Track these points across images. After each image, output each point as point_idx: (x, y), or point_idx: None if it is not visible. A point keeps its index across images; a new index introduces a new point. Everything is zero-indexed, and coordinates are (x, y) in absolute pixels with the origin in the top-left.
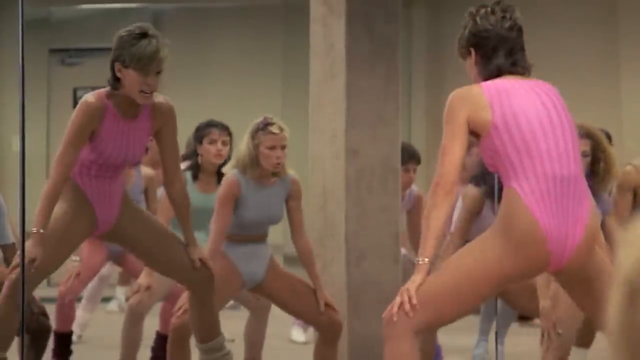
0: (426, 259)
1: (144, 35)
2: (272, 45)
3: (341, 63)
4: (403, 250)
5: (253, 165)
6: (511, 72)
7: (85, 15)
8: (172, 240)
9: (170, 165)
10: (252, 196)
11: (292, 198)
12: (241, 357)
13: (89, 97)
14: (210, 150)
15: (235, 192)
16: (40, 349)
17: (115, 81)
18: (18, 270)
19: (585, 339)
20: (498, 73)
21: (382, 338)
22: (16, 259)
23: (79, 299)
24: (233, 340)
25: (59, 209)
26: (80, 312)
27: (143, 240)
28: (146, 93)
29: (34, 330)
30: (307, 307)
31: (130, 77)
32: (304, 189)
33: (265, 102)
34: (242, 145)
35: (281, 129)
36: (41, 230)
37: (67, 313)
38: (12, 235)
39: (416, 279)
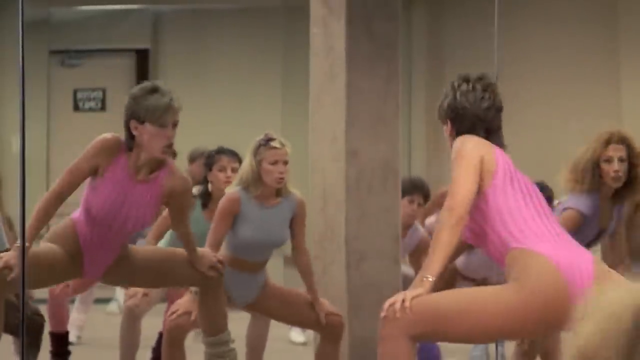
0: (430, 278)
1: (155, 89)
2: (272, 46)
3: (341, 64)
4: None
5: (256, 182)
6: None
7: (86, 16)
8: (172, 256)
9: (177, 223)
10: (253, 215)
11: (296, 218)
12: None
13: (108, 134)
14: (219, 177)
15: (235, 208)
16: (34, 347)
17: (131, 140)
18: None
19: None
20: None
21: None
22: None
23: (72, 300)
24: (233, 341)
25: (48, 245)
26: (74, 314)
27: (138, 276)
28: (166, 147)
29: (27, 328)
30: (303, 316)
31: (148, 132)
32: (304, 190)
33: (265, 102)
34: (244, 163)
35: (282, 144)
36: (27, 244)
37: (59, 313)
38: (7, 241)
39: (417, 290)
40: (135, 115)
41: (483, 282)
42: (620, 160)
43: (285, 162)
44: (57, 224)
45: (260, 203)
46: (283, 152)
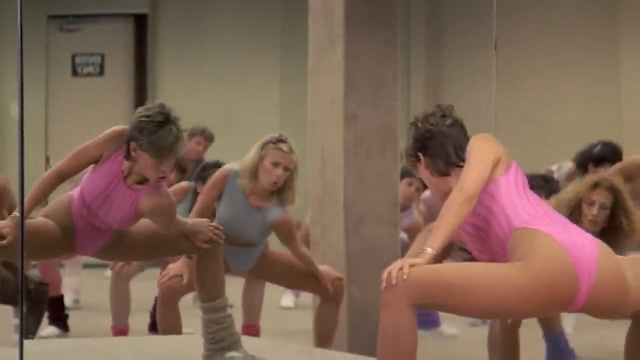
0: (430, 250)
1: (164, 123)
2: (271, 11)
3: (340, 29)
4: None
5: (251, 176)
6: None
7: None
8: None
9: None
10: (234, 200)
11: (278, 231)
12: (240, 324)
13: (121, 127)
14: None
15: (221, 182)
16: (38, 313)
17: (129, 155)
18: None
19: None
20: (446, 169)
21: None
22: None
23: (61, 265)
24: (231, 306)
25: (43, 219)
26: (67, 278)
27: (132, 250)
28: (160, 177)
29: (31, 295)
30: (303, 280)
31: (146, 162)
32: (303, 155)
33: (264, 68)
34: (250, 153)
35: (290, 150)
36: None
37: (50, 277)
38: None
39: (416, 260)
40: (137, 141)
41: None
42: (602, 207)
43: (286, 168)
44: (55, 199)
45: (244, 195)
46: (287, 157)
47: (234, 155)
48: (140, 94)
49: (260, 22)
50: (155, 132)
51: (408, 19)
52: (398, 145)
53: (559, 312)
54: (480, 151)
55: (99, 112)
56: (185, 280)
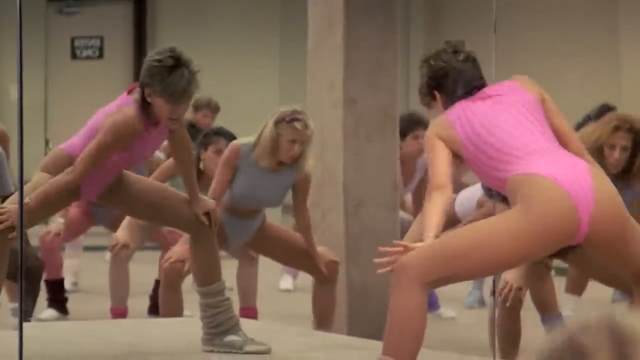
0: (432, 234)
1: (176, 66)
2: None
3: (339, 11)
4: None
5: (272, 153)
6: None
7: None
8: (168, 194)
9: (178, 144)
10: (250, 173)
11: (299, 185)
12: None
13: (130, 114)
14: (214, 161)
15: (234, 157)
16: (34, 292)
17: (144, 102)
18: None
19: (577, 287)
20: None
21: (380, 285)
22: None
23: (62, 248)
24: (231, 289)
25: (43, 176)
26: (67, 260)
27: (134, 202)
28: (175, 120)
29: (28, 273)
30: (298, 258)
31: (161, 106)
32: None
33: (263, 51)
34: (266, 129)
35: (306, 126)
36: (30, 203)
37: (53, 260)
38: (12, 186)
39: (418, 244)
40: (150, 87)
41: None
42: (623, 149)
43: (303, 142)
44: (49, 156)
45: (258, 165)
46: (303, 134)
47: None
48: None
49: (259, 5)
50: (168, 77)
51: (407, 2)
52: (397, 128)
53: (567, 244)
54: (430, 147)
55: (98, 95)
56: (186, 267)
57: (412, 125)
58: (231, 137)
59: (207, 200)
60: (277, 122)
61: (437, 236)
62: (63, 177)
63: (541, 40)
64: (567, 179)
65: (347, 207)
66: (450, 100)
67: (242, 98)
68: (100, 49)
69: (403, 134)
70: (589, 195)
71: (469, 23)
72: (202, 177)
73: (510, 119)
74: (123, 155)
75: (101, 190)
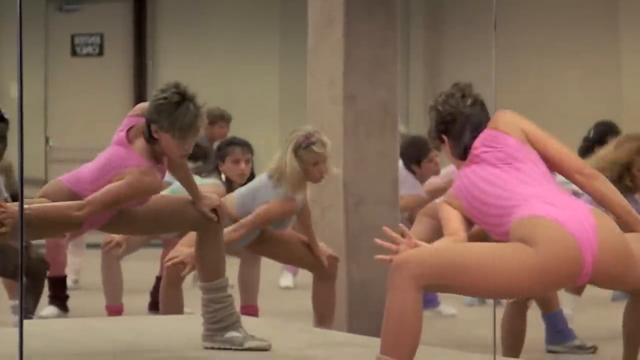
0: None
1: (181, 101)
2: None
3: (339, 8)
4: None
5: (302, 183)
6: None
7: None
8: (167, 202)
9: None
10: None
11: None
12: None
13: (149, 179)
14: (234, 170)
15: (290, 216)
16: (37, 291)
17: (151, 137)
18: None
19: (578, 287)
20: (466, 153)
21: (380, 282)
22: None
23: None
24: (232, 286)
25: (45, 200)
26: (69, 258)
27: (137, 224)
28: (183, 156)
29: (30, 273)
30: (298, 256)
31: (168, 142)
32: (300, 128)
33: (263, 47)
34: (288, 163)
35: (324, 146)
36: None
37: (58, 257)
38: (4, 190)
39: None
40: (156, 122)
41: None
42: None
43: (325, 160)
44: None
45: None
46: (324, 154)
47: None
48: (140, 74)
49: (259, 3)
50: (174, 113)
51: None
52: (397, 125)
53: (570, 286)
54: (442, 209)
55: (98, 93)
56: (187, 271)
57: (423, 150)
58: (245, 144)
59: (212, 197)
60: (295, 151)
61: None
62: (71, 210)
63: (541, 38)
64: (570, 219)
65: (347, 204)
66: (458, 144)
67: (242, 95)
68: (100, 46)
69: (418, 161)
70: (592, 235)
71: (469, 20)
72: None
73: (503, 175)
74: (133, 202)
75: (104, 223)
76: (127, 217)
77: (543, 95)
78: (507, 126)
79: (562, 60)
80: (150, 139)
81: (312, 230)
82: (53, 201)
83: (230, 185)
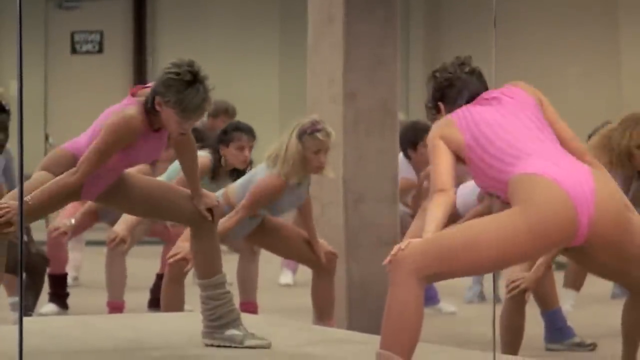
0: (429, 235)
1: (192, 82)
2: None
3: (339, 7)
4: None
5: (301, 169)
6: None
7: None
8: (167, 190)
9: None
10: (285, 194)
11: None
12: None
13: (131, 113)
14: (237, 157)
15: (278, 195)
16: (37, 288)
17: (152, 107)
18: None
19: (576, 282)
20: None
21: (380, 280)
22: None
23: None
24: (231, 284)
25: (44, 174)
26: (69, 255)
27: (134, 201)
28: (181, 133)
29: (30, 269)
30: (297, 251)
31: (170, 117)
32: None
33: (263, 45)
34: (289, 146)
35: (328, 135)
36: (30, 202)
37: (59, 255)
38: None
39: (416, 240)
40: (163, 97)
41: None
42: None
43: (327, 150)
44: (51, 154)
45: (289, 182)
46: (327, 142)
47: None
48: (139, 72)
49: (259, 0)
50: (183, 91)
51: None
52: (397, 122)
53: (566, 246)
54: (433, 150)
55: (98, 90)
56: (190, 266)
57: (420, 133)
58: (250, 131)
59: (210, 195)
60: (300, 136)
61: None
62: (66, 178)
63: (541, 36)
64: (568, 180)
65: (346, 202)
66: (454, 109)
67: (242, 93)
68: (100, 44)
69: (414, 144)
70: (590, 197)
71: (468, 18)
72: (221, 173)
73: (513, 120)
74: (122, 155)
75: (101, 191)
76: (124, 192)
77: (543, 93)
78: (528, 88)
79: (562, 59)
80: (151, 109)
81: (312, 226)
82: (54, 172)
83: (217, 167)
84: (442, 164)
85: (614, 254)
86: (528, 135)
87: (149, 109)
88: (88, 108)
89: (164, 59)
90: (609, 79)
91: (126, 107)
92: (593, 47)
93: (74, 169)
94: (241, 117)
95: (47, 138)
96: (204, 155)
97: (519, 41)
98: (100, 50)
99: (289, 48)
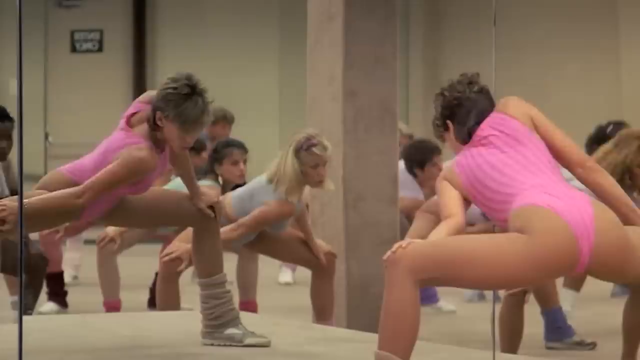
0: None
1: (191, 94)
2: None
3: (339, 5)
4: None
5: (300, 184)
6: None
7: None
8: (165, 196)
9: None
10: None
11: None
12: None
13: (145, 156)
14: (233, 172)
15: (286, 220)
16: (36, 287)
17: (155, 124)
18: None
19: (576, 282)
20: (470, 135)
21: (380, 279)
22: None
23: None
24: (231, 283)
25: (44, 192)
26: (67, 253)
27: (135, 216)
28: (184, 148)
29: (30, 268)
30: (296, 253)
31: (171, 131)
32: (302, 130)
33: (263, 43)
34: (287, 163)
35: (325, 149)
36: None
37: (52, 253)
38: (6, 187)
39: (417, 241)
40: (162, 110)
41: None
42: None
43: (325, 163)
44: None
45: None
46: (324, 156)
47: (234, 131)
48: (139, 70)
49: None
50: (182, 104)
51: None
52: (397, 121)
53: (567, 275)
54: (440, 190)
55: (97, 89)
56: (183, 267)
57: (428, 153)
58: (241, 145)
59: (209, 193)
60: (296, 152)
61: None
62: (70, 199)
63: (540, 33)
64: (567, 209)
65: (346, 201)
66: (463, 129)
67: (242, 91)
68: (100, 42)
69: (422, 164)
70: (590, 226)
71: (468, 16)
72: (224, 191)
73: (507, 160)
74: (131, 186)
75: (102, 214)
76: (125, 209)
77: (543, 90)
78: (516, 111)
79: (561, 55)
80: (154, 126)
81: (309, 227)
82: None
83: (224, 187)
84: (449, 196)
85: (613, 275)
86: (522, 171)
87: (152, 127)
88: (88, 107)
89: (164, 57)
90: (609, 75)
91: (135, 142)
92: (592, 44)
93: (81, 188)
94: (241, 115)
95: (46, 137)
96: (209, 185)
97: (518, 38)
98: (100, 49)
99: (288, 46)
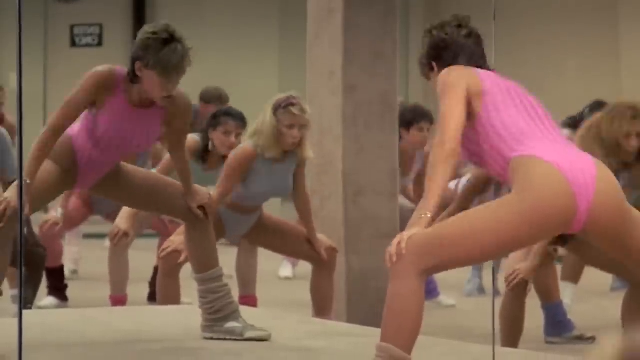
0: (428, 214)
1: (169, 40)
2: None
3: (339, 0)
4: (405, 202)
5: (276, 142)
6: None
7: None
8: (164, 184)
9: (175, 145)
10: (264, 170)
11: (299, 169)
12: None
13: (101, 67)
14: (223, 142)
15: (249, 164)
16: (36, 280)
17: (134, 76)
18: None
19: (574, 274)
20: None
21: (380, 273)
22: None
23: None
24: (231, 277)
25: (45, 164)
26: (66, 248)
27: (130, 193)
28: (166, 96)
29: (29, 261)
30: (297, 247)
31: (151, 80)
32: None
33: (263, 38)
34: (265, 120)
35: (302, 111)
36: (28, 181)
37: (53, 247)
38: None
39: (414, 229)
40: (142, 60)
41: None
42: (637, 135)
43: (302, 126)
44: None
45: (271, 162)
46: (300, 118)
47: None
48: None
49: None
50: (162, 50)
51: None
52: (397, 115)
53: (563, 232)
54: (451, 92)
55: None
56: (183, 258)
57: (418, 117)
58: (239, 117)
59: (202, 192)
60: (275, 110)
61: (434, 219)
62: (46, 133)
63: (540, 29)
64: (569, 166)
65: (346, 195)
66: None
67: (242, 86)
68: (100, 37)
69: (408, 125)
70: (590, 185)
71: (468, 12)
72: (211, 157)
73: (527, 105)
74: (107, 121)
75: (97, 181)
76: (121, 183)
77: (542, 86)
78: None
79: (561, 51)
80: (134, 78)
81: (312, 223)
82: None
83: (211, 155)
84: (456, 115)
85: (611, 244)
86: (536, 122)
87: (132, 80)
88: None
89: None
90: (609, 71)
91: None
92: (592, 40)
93: (49, 121)
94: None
95: None
96: (190, 137)
97: (518, 35)
98: (99, 44)
99: (288, 41)
